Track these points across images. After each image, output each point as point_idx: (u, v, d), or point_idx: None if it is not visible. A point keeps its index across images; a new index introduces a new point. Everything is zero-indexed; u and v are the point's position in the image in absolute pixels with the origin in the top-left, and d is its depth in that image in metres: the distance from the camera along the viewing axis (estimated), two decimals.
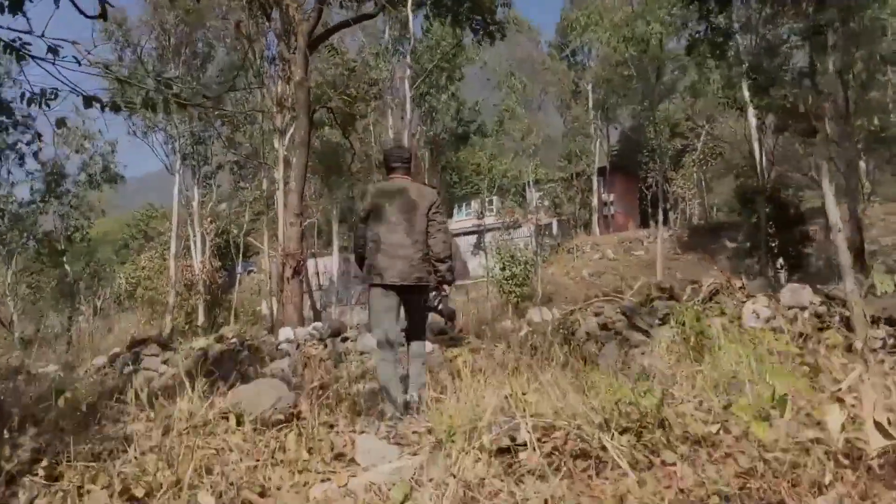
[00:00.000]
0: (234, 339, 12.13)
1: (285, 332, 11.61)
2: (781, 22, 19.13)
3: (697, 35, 9.34)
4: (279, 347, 11.31)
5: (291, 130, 19.02)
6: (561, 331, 6.62)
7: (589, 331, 6.57)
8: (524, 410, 3.24)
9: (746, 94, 23.91)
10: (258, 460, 2.92)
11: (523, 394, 4.06)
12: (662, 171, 33.90)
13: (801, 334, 5.03)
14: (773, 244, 23.54)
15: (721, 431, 2.65)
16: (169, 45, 29.06)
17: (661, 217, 32.96)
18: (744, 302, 6.00)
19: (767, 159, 24.17)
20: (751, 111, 27.84)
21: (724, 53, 10.88)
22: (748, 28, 20.34)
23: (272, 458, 2.98)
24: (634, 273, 31.54)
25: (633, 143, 43.27)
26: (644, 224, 43.56)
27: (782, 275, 22.79)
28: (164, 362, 12.27)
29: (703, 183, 42.25)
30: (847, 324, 5.56)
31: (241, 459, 2.90)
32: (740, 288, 6.27)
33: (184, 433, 3.05)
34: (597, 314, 6.80)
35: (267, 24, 16.60)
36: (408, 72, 24.16)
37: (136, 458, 2.83)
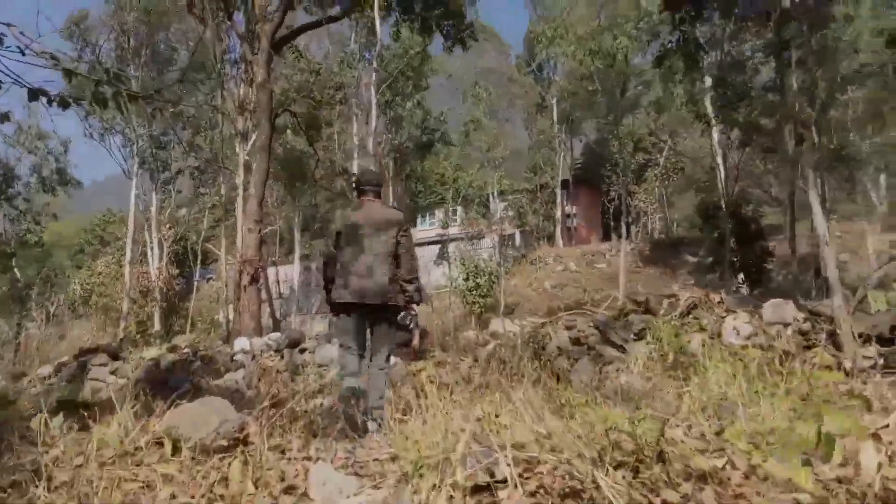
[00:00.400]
0: (186, 350, 11.63)
1: (240, 343, 11.11)
2: (745, 38, 19.26)
3: (669, 45, 9.14)
4: (234, 358, 10.81)
5: (254, 137, 18.49)
6: (531, 345, 6.28)
7: (560, 345, 6.24)
8: (501, 438, 2.90)
9: (710, 108, 24.10)
10: (193, 496, 2.50)
11: (496, 416, 3.72)
12: (625, 185, 34.04)
13: (784, 352, 4.77)
14: (735, 259, 23.66)
15: (728, 466, 2.33)
16: (129, 46, 28.28)
17: (624, 231, 33.04)
18: (723, 317, 5.73)
19: (731, 175, 24.30)
20: (714, 126, 28.09)
21: (695, 64, 10.75)
22: (713, 44, 20.48)
23: (211, 492, 2.56)
24: (597, 286, 31.60)
25: (597, 156, 43.46)
26: (606, 237, 43.72)
27: (744, 290, 22.88)
28: (113, 373, 11.71)
29: (665, 198, 42.59)
30: (834, 342, 5.33)
31: (173, 495, 2.48)
32: (719, 303, 6.00)
33: (108, 463, 2.62)
34: (568, 328, 6.46)
35: (228, 22, 16.07)
36: (373, 76, 23.73)
37: (45, 494, 2.40)
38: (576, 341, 6.17)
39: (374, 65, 23.92)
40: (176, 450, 2.82)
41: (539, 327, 6.72)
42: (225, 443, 2.98)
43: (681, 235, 41.26)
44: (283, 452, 3.29)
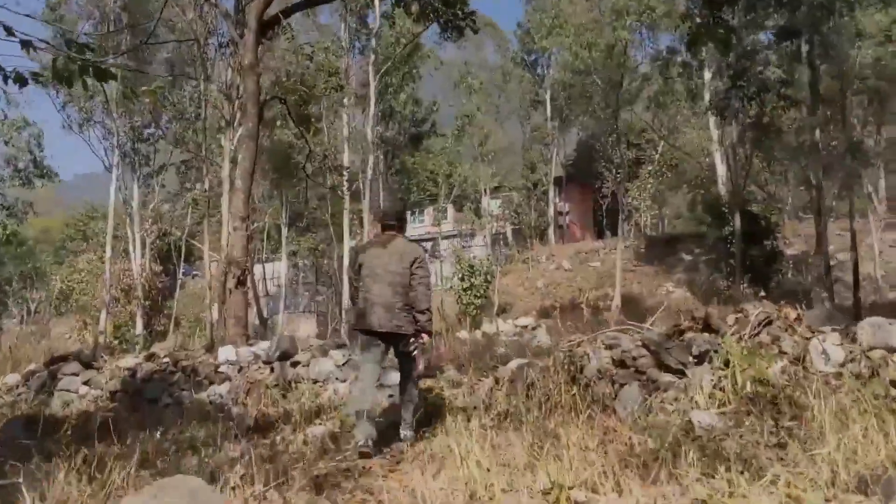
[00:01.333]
0: (166, 359, 10.61)
1: (226, 352, 10.07)
2: (762, 24, 18.44)
3: (699, 28, 8.34)
4: (219, 370, 9.80)
5: (241, 126, 17.41)
6: (566, 366, 5.38)
7: (601, 367, 5.33)
8: None
9: (707, 102, 23.44)
10: None
11: (570, 488, 2.80)
12: (622, 182, 33.23)
13: (893, 384, 3.89)
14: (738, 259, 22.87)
15: None
16: (108, 32, 27.04)
17: (621, 228, 32.31)
18: (807, 338, 4.83)
19: (739, 171, 23.42)
20: (712, 122, 27.39)
21: (728, 47, 9.98)
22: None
23: None
24: (592, 285, 30.87)
25: (590, 152, 42.67)
26: (600, 235, 43.03)
27: (749, 292, 22.08)
28: (86, 383, 10.75)
29: (658, 194, 41.87)
30: None
31: None
32: (796, 319, 5.08)
33: None
34: (610, 347, 5.54)
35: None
36: (372, 57, 22.60)
37: None
38: (620, 363, 5.24)
39: (373, 43, 22.72)
40: None
41: (576, 345, 5.80)
42: None
43: (674, 233, 40.57)
44: None
